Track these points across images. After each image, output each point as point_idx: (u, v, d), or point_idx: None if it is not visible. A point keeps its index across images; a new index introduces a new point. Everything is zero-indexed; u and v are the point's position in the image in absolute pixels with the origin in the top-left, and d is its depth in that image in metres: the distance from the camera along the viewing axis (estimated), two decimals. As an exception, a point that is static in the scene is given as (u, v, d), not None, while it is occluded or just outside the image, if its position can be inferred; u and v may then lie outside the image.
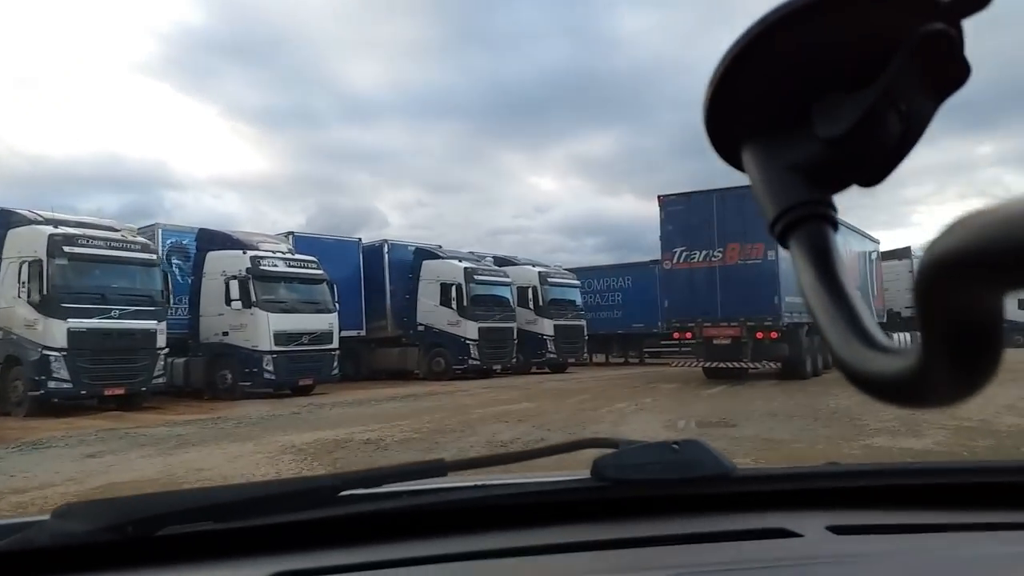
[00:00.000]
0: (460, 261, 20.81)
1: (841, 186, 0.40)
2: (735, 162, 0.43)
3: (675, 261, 16.64)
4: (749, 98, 0.41)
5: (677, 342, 17.74)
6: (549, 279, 23.27)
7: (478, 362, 19.92)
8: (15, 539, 0.83)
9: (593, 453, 1.02)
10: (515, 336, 21.17)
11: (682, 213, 16.58)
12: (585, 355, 24.13)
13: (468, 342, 19.81)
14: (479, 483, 1.05)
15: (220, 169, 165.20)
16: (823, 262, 0.39)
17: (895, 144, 0.38)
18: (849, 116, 0.37)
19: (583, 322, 23.88)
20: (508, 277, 21.81)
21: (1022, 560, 0.91)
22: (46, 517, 0.86)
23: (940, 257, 0.28)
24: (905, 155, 0.38)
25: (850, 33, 0.37)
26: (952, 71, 0.36)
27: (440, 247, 22.32)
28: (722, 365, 16.13)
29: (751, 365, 15.89)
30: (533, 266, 24.02)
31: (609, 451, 1.02)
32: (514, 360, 21.17)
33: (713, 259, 16.07)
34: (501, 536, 0.94)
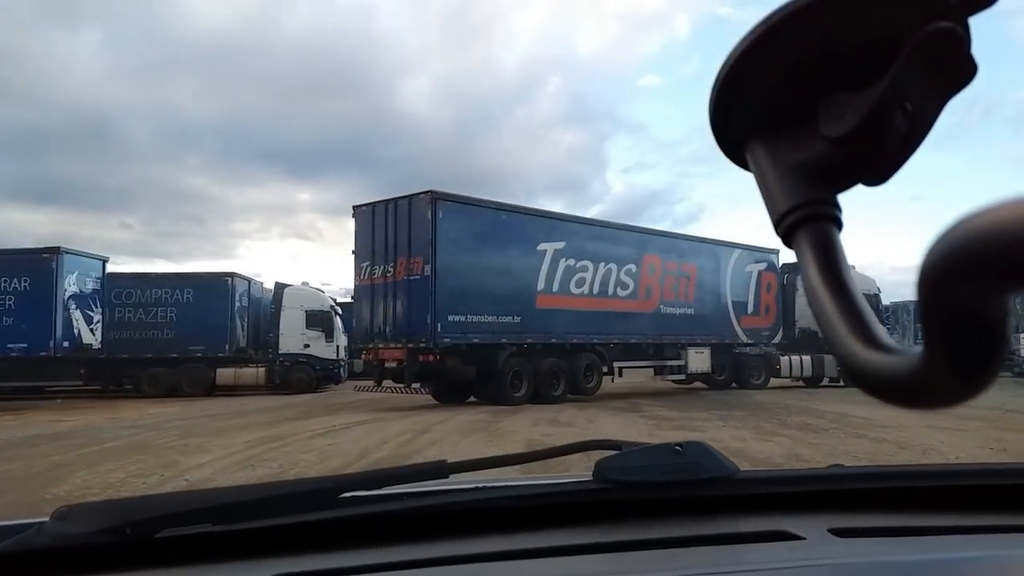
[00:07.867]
0: None
1: (846, 185, 0.40)
2: (740, 161, 0.43)
3: (362, 277, 15.23)
4: (754, 97, 0.41)
5: (50, 385, 16.14)
6: None
7: None
8: (14, 541, 0.84)
9: (595, 455, 1.03)
10: None
11: (367, 225, 15.13)
12: None
13: None
14: (481, 485, 1.05)
15: None
16: (827, 262, 0.39)
17: (900, 143, 0.38)
18: (854, 114, 0.37)
19: None
20: None
21: None
22: (45, 519, 0.86)
23: (943, 257, 0.28)
24: (911, 154, 0.38)
25: (855, 31, 0.37)
26: (958, 69, 0.36)
27: None
28: (395, 387, 15.19)
29: (414, 388, 14.99)
30: None
31: (611, 453, 1.02)
32: None
33: (387, 275, 14.65)
34: (503, 539, 0.94)
